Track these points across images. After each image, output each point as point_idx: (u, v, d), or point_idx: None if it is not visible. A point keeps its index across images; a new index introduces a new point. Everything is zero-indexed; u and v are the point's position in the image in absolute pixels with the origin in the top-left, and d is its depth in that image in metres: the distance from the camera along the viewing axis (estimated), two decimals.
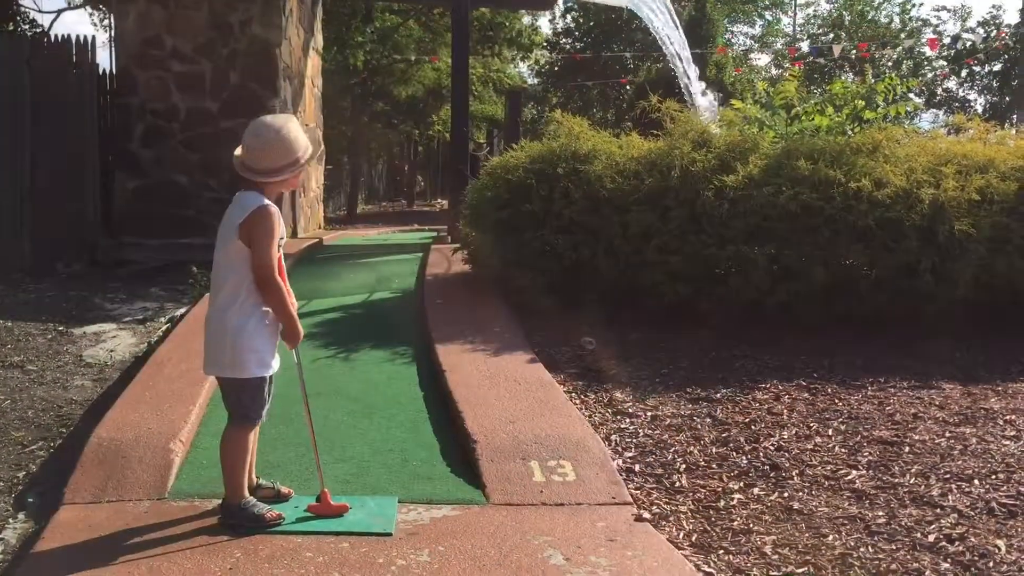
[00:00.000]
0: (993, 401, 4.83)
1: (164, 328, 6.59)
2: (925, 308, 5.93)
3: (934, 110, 30.53)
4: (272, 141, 3.23)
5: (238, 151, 3.31)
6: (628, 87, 27.06)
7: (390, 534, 3.22)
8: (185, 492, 3.62)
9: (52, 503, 3.54)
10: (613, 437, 4.30)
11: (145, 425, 4.08)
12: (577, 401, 4.81)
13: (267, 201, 3.25)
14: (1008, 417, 4.54)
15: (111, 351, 6.05)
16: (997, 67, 29.97)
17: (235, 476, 3.31)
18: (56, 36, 10.18)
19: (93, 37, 9.86)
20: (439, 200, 26.73)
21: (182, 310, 7.10)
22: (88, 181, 9.71)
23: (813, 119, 7.43)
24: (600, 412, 4.69)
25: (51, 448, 4.28)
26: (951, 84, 31.22)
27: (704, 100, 12.96)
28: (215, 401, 4.61)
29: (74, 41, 9.64)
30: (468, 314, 6.39)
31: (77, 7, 18.94)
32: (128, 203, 9.88)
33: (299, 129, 3.31)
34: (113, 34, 10.63)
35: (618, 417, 4.61)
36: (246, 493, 3.33)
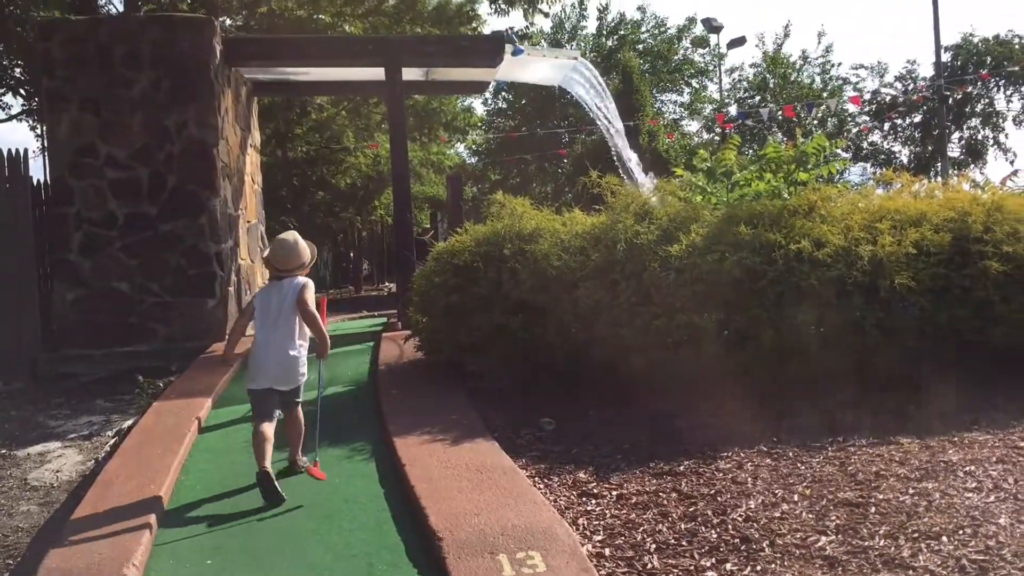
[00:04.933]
0: (951, 453, 4.87)
1: (111, 442, 6.40)
2: (874, 362, 6.00)
3: (861, 163, 31.41)
4: (294, 248, 5.16)
5: (266, 254, 5.29)
6: (566, 160, 27.50)
7: None
8: None
9: None
10: (580, 521, 4.24)
11: (96, 551, 3.92)
12: (541, 485, 4.74)
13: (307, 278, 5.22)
14: (968, 468, 4.57)
15: (57, 471, 5.85)
16: (918, 119, 31.07)
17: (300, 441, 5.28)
18: None
19: (25, 150, 9.75)
20: (386, 283, 26.63)
21: (129, 421, 6.91)
22: (27, 296, 9.52)
23: (752, 185, 7.59)
24: (565, 495, 4.62)
25: None
26: (875, 137, 32.25)
27: (639, 171, 13.16)
28: (166, 523, 4.48)
29: (6, 155, 9.53)
30: (424, 403, 6.31)
31: (8, 120, 18.79)
32: (69, 314, 9.65)
33: (304, 243, 5.24)
34: (46, 144, 10.52)
35: (584, 499, 4.55)
36: None
